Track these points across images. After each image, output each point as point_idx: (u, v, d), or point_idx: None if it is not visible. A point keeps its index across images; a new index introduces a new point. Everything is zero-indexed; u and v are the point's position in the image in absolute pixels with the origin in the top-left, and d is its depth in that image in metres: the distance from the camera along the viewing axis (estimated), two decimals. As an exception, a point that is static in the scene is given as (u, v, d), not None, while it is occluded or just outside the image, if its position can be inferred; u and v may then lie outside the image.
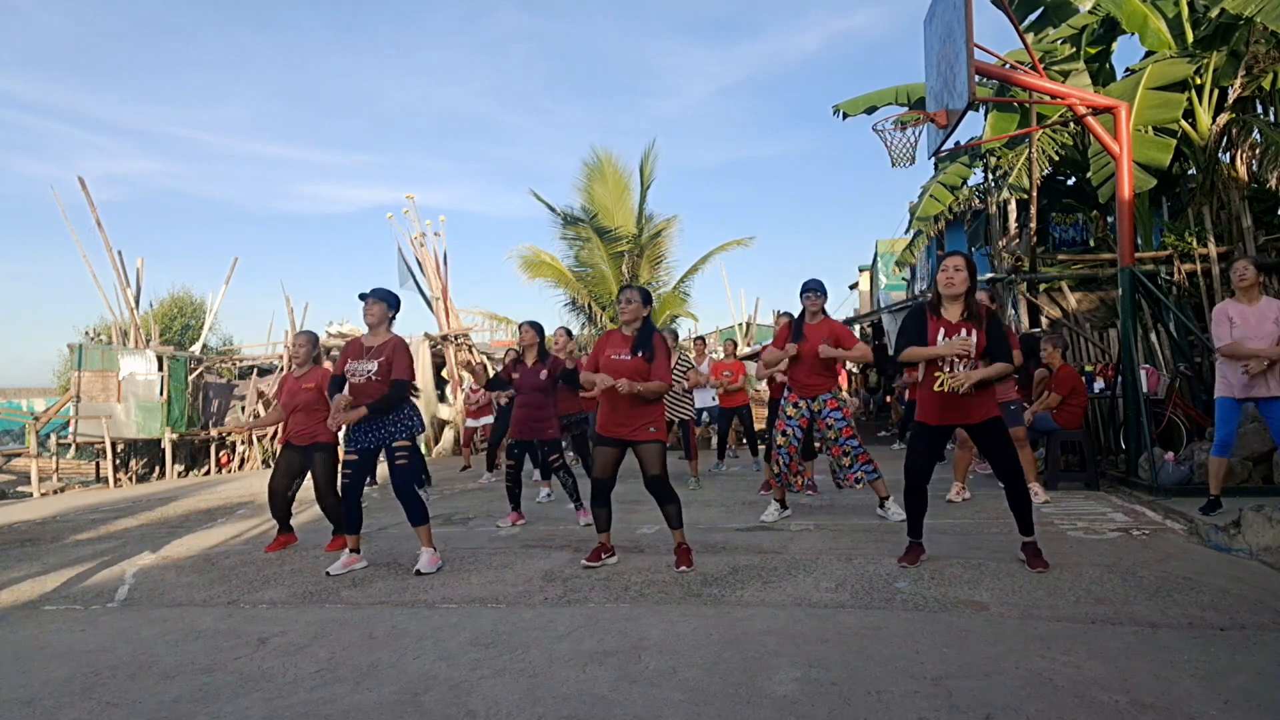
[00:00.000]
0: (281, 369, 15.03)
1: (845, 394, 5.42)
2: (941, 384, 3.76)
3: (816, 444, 6.09)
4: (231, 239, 72.30)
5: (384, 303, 4.48)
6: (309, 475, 5.14)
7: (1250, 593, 3.35)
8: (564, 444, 6.47)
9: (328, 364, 8.66)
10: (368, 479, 4.59)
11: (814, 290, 5.29)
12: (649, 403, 4.16)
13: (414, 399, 4.54)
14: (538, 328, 5.81)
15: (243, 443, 14.14)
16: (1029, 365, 7.05)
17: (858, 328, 18.74)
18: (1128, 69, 9.31)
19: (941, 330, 3.80)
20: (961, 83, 5.59)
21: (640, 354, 4.12)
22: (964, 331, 3.75)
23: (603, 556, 4.29)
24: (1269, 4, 6.67)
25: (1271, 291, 8.30)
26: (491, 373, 9.97)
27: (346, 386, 4.42)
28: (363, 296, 4.47)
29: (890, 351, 14.64)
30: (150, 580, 4.48)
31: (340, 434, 5.57)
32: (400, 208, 15.86)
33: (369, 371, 4.33)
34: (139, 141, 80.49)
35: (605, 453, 4.20)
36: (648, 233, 15.25)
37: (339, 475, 4.41)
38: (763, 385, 12.01)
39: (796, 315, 5.45)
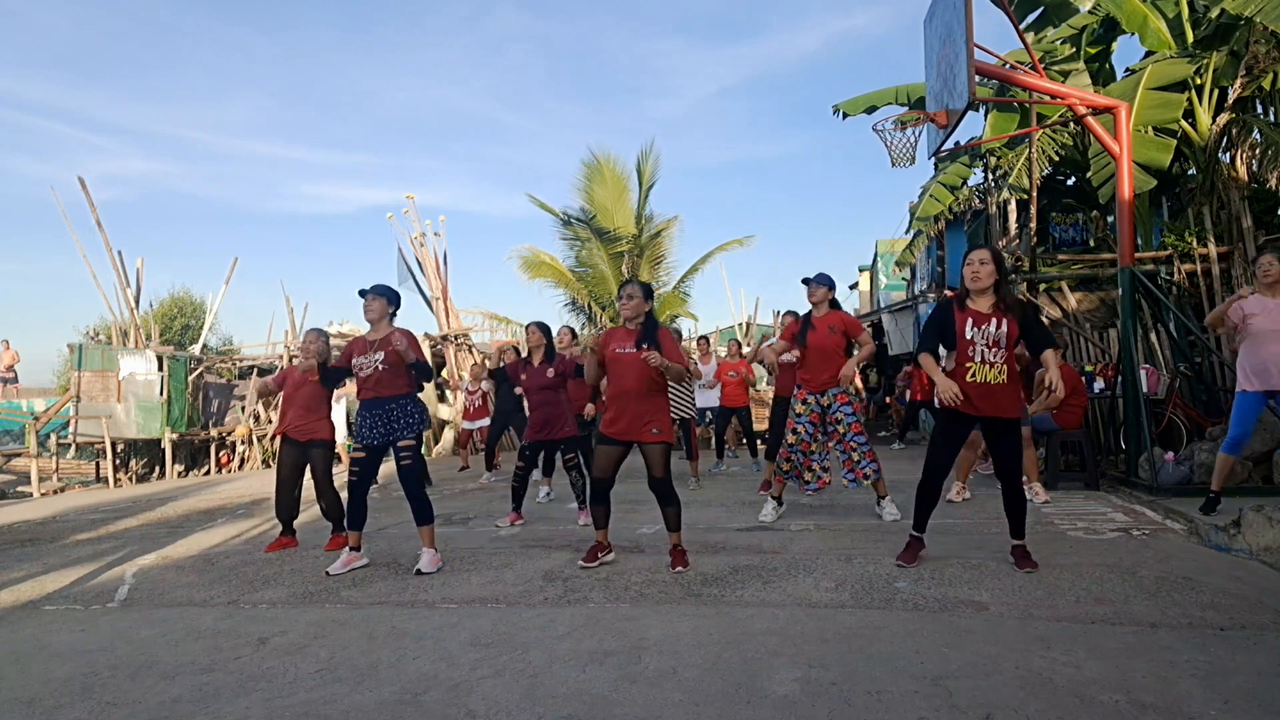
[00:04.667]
0: (281, 369, 15.01)
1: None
2: (973, 374, 3.73)
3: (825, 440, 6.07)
4: (231, 239, 72.14)
5: (383, 298, 4.50)
6: (308, 473, 5.16)
7: (1250, 593, 3.35)
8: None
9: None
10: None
11: (811, 281, 5.27)
12: (655, 402, 4.15)
13: (420, 396, 4.56)
14: (544, 328, 5.82)
15: (243, 442, 14.13)
16: (1030, 365, 7.05)
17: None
18: (1128, 69, 9.31)
19: (970, 320, 3.74)
20: (961, 83, 5.59)
21: (646, 347, 4.12)
22: (995, 321, 3.72)
23: (599, 555, 4.29)
24: (1269, 4, 6.67)
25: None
26: (485, 383, 9.96)
27: (350, 381, 4.46)
28: (363, 293, 4.49)
29: (890, 351, 14.64)
30: (150, 580, 4.48)
31: (341, 431, 5.60)
32: (400, 208, 15.87)
33: (377, 362, 4.36)
34: (139, 141, 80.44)
35: (608, 452, 4.19)
36: (648, 233, 15.25)
37: (347, 473, 4.43)
38: (763, 385, 12.00)
39: (804, 312, 5.43)
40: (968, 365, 3.74)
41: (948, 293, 4.10)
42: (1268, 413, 5.51)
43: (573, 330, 7.24)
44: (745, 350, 10.09)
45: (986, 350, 3.70)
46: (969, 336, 3.73)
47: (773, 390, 7.17)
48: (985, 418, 3.80)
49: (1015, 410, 3.80)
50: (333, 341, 14.01)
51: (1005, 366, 3.72)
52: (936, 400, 3.97)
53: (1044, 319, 9.12)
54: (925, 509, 4.02)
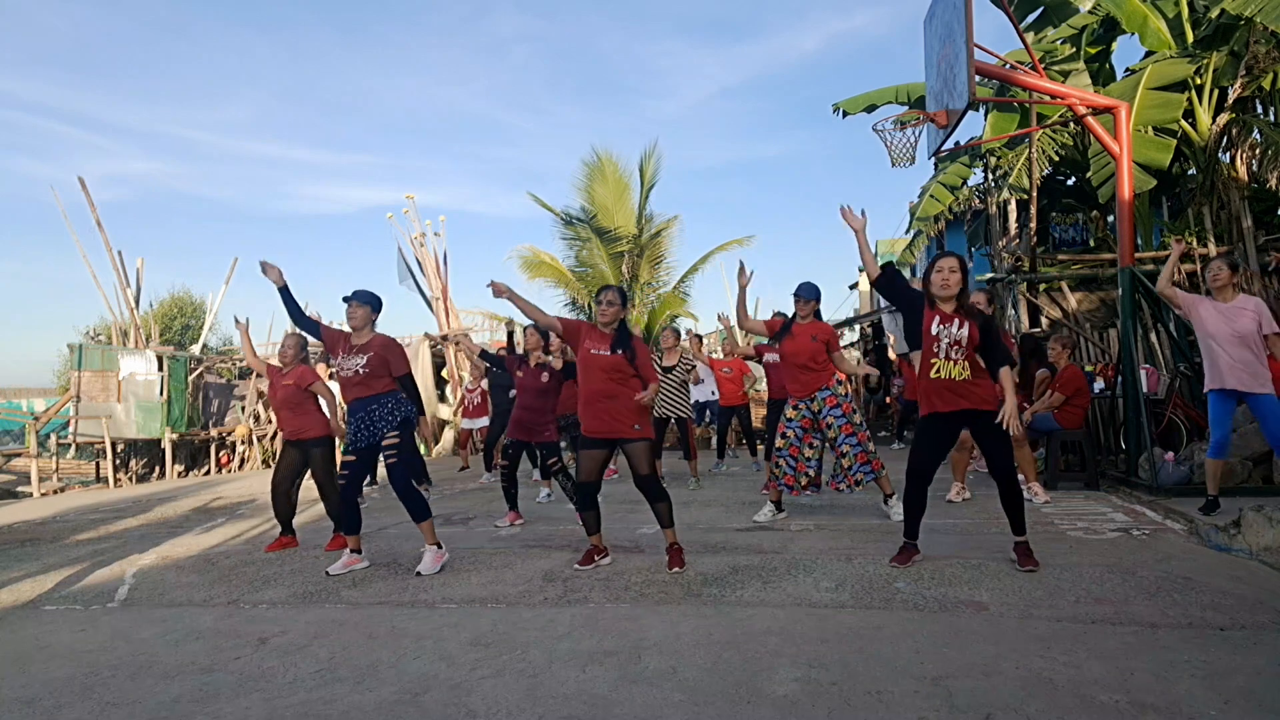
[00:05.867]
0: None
1: (845, 390, 5.37)
2: (938, 370, 3.79)
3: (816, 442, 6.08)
4: (231, 239, 72.40)
5: (367, 306, 4.50)
6: (309, 474, 5.17)
7: (1250, 593, 3.35)
8: (563, 445, 6.46)
9: (321, 367, 8.64)
10: (367, 479, 4.61)
11: (801, 295, 5.32)
12: (628, 401, 4.13)
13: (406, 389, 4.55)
14: (543, 331, 5.83)
15: (243, 442, 14.13)
16: (1029, 365, 7.04)
17: (858, 328, 18.70)
18: (1128, 69, 9.31)
19: (936, 318, 3.83)
20: (961, 83, 5.59)
21: (620, 351, 4.13)
22: (957, 322, 3.80)
23: (595, 558, 4.28)
24: (1269, 4, 6.68)
25: (1272, 293, 8.31)
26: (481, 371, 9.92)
27: (337, 380, 4.49)
28: (346, 300, 4.50)
29: (890, 353, 14.63)
30: (150, 580, 4.48)
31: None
32: (400, 208, 15.85)
33: (358, 365, 4.37)
34: (139, 141, 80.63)
35: (592, 455, 4.20)
36: (648, 233, 15.24)
37: (337, 475, 4.43)
38: (762, 385, 11.99)
39: (790, 317, 5.48)
40: (932, 362, 3.83)
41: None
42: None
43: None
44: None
45: (949, 348, 3.79)
46: (934, 333, 3.82)
47: (767, 391, 7.18)
48: (963, 412, 3.84)
49: (990, 402, 3.84)
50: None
51: (968, 364, 3.80)
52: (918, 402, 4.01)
53: (1043, 318, 9.13)
54: (915, 515, 4.03)
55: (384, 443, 4.34)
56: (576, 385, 6.88)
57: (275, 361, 5.39)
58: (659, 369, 7.39)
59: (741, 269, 5.06)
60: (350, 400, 4.41)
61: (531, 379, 5.64)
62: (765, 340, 6.07)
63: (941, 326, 3.81)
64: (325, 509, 5.23)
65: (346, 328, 4.55)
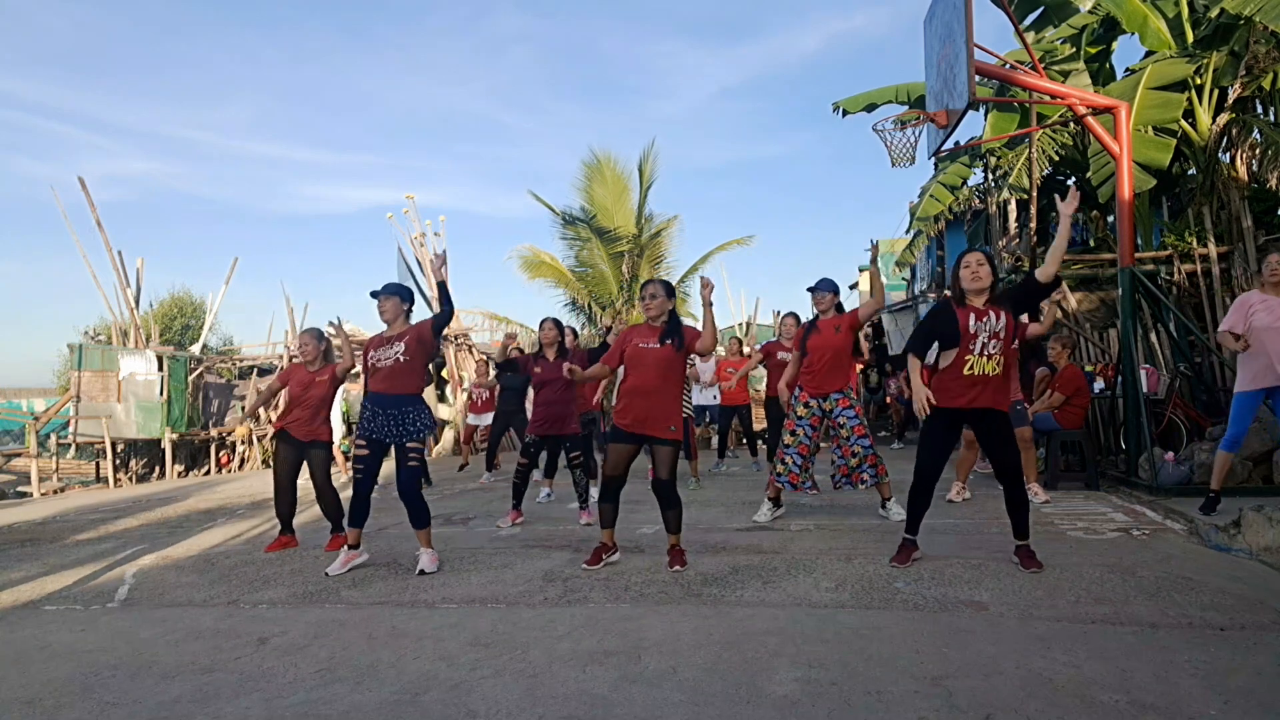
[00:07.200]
0: (281, 369, 15.02)
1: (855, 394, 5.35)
2: (971, 367, 3.77)
3: (823, 443, 6.07)
4: (231, 239, 72.45)
5: (396, 297, 4.48)
6: (306, 473, 5.16)
7: (1250, 593, 3.35)
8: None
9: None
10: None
11: (819, 290, 5.26)
12: (670, 402, 4.15)
13: (425, 401, 4.55)
14: (559, 325, 5.83)
15: (243, 443, 14.13)
16: (1030, 365, 7.04)
17: (858, 328, 18.67)
18: (1128, 69, 9.31)
19: (972, 315, 3.80)
20: (961, 83, 5.59)
21: (670, 341, 4.12)
22: (993, 314, 3.78)
23: (604, 556, 4.27)
24: (1269, 4, 6.67)
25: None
26: (492, 372, 9.94)
27: (366, 376, 4.47)
28: (374, 294, 4.47)
29: (890, 351, 14.63)
30: (150, 580, 4.48)
31: (338, 433, 5.60)
32: (400, 208, 15.89)
33: (397, 354, 4.33)
34: (139, 141, 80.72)
35: (622, 449, 4.19)
36: (648, 233, 15.24)
37: (352, 470, 4.42)
38: (762, 385, 12.01)
39: (811, 317, 5.43)
40: (967, 358, 3.78)
41: (946, 293, 4.12)
42: (1266, 412, 5.52)
43: (574, 331, 7.23)
44: (746, 349, 10.13)
45: (987, 342, 3.77)
46: (972, 330, 3.78)
47: (765, 390, 7.18)
48: (975, 410, 3.83)
49: (1004, 403, 3.84)
50: (333, 343, 14.09)
51: (1002, 359, 3.79)
52: (916, 407, 3.96)
53: (1043, 318, 9.09)
54: (918, 512, 4.03)
55: (408, 444, 4.31)
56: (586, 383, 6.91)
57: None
58: None
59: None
60: (379, 391, 4.35)
61: (553, 371, 5.61)
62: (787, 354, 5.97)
63: (978, 322, 3.78)
64: (321, 509, 5.22)
65: (358, 333, 4.55)
